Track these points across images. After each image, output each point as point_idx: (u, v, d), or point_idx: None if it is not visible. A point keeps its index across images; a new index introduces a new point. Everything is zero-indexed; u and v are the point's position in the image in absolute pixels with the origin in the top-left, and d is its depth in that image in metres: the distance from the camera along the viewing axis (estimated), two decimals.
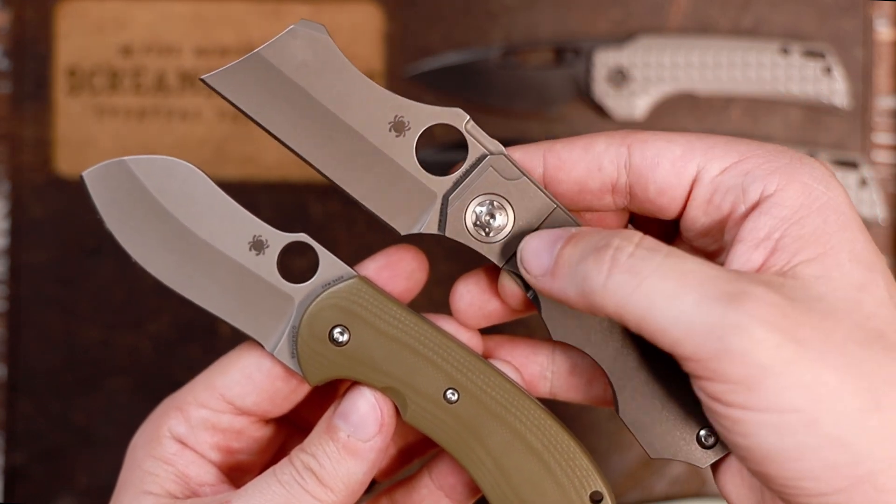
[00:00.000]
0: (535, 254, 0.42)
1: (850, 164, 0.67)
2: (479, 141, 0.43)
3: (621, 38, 0.69)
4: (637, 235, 0.39)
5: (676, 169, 0.42)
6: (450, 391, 0.43)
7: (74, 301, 0.69)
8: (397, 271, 0.46)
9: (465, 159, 0.43)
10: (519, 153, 0.44)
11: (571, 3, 0.69)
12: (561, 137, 0.68)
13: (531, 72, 0.69)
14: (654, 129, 0.68)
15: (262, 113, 0.43)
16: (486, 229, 0.43)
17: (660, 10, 0.69)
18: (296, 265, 0.46)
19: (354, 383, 0.44)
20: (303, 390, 0.46)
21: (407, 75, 0.69)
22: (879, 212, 0.67)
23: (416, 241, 0.45)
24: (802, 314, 0.37)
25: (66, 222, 0.69)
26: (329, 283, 0.44)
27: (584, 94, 0.68)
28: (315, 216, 0.68)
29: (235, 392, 0.45)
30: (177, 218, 0.44)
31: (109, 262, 0.69)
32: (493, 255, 0.43)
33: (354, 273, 0.44)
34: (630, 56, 0.68)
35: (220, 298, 0.44)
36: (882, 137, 0.69)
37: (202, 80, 0.43)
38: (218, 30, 0.69)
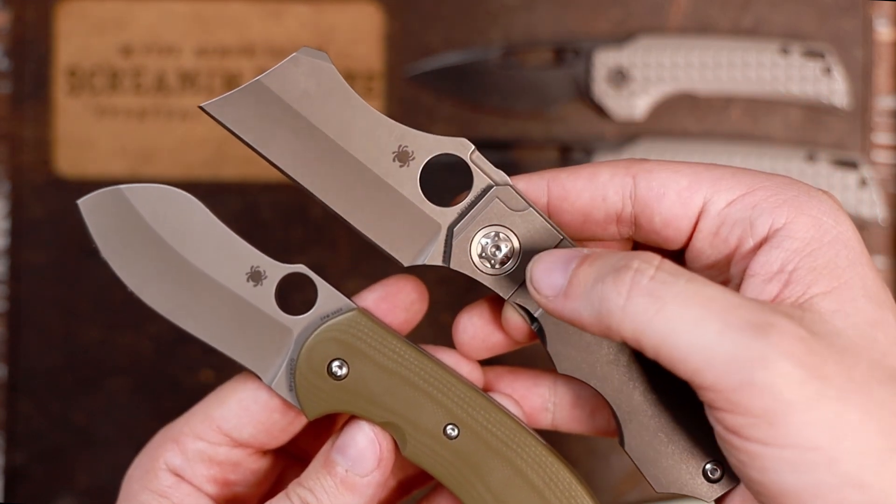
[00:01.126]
0: (547, 272, 0.41)
1: (850, 164, 0.67)
2: (484, 171, 0.43)
3: (621, 38, 0.69)
4: (656, 258, 0.38)
5: (682, 200, 0.41)
6: (450, 427, 0.43)
7: (74, 301, 0.69)
8: (396, 303, 0.45)
9: (469, 189, 0.43)
10: (523, 183, 0.43)
11: (571, 3, 0.69)
12: (560, 138, 0.68)
13: (531, 72, 0.69)
14: (654, 130, 0.68)
15: (263, 142, 0.42)
16: (492, 261, 0.43)
17: (660, 10, 0.69)
18: (295, 297, 0.46)
19: (353, 417, 0.44)
20: (300, 422, 0.45)
21: (407, 75, 0.69)
22: (879, 212, 0.67)
23: (417, 269, 0.44)
24: (825, 349, 0.37)
25: (66, 222, 0.69)
26: (328, 316, 0.43)
27: (583, 95, 0.68)
28: (315, 217, 0.68)
29: (232, 424, 0.45)
30: (173, 247, 0.43)
31: None
32: (497, 286, 0.43)
33: (353, 305, 0.44)
34: (630, 56, 0.68)
35: (216, 329, 0.43)
36: (882, 137, 0.69)
37: (201, 108, 0.42)
38: (218, 30, 0.69)
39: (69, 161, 0.69)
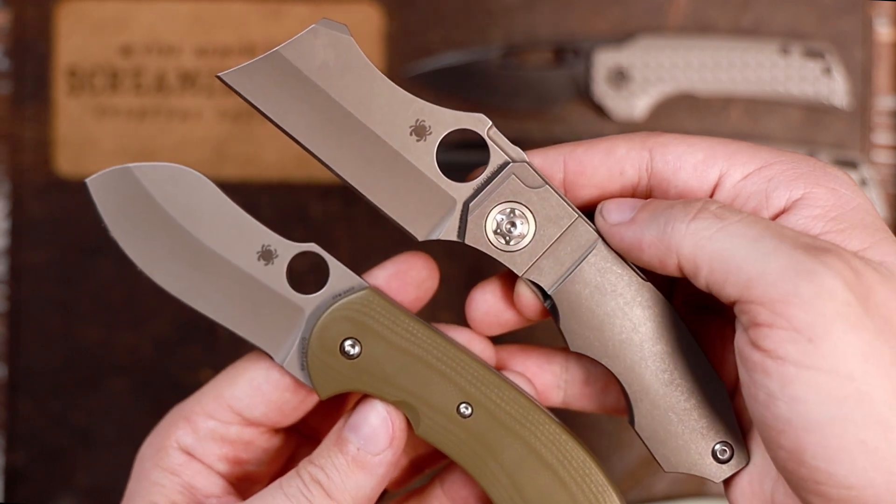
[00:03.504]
0: (618, 206, 0.42)
1: (850, 164, 0.67)
2: (501, 148, 0.43)
3: (621, 38, 0.69)
4: (722, 202, 0.40)
5: (698, 173, 0.42)
6: (463, 405, 0.43)
7: (74, 301, 0.69)
8: (407, 280, 0.45)
9: (486, 165, 0.43)
10: (539, 159, 0.43)
11: (571, 3, 0.69)
12: (560, 138, 0.68)
13: (531, 72, 0.69)
14: (654, 130, 0.68)
15: (280, 113, 0.42)
16: (507, 237, 0.43)
17: (660, 10, 0.69)
18: (306, 276, 0.46)
19: (366, 395, 0.43)
20: (312, 400, 0.45)
21: (407, 75, 0.69)
22: (879, 212, 0.67)
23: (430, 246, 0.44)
24: (874, 283, 0.37)
25: (66, 222, 0.69)
26: (340, 295, 0.43)
27: (583, 95, 0.68)
28: (315, 216, 0.68)
29: (244, 403, 0.45)
30: (183, 226, 0.43)
31: (109, 262, 0.69)
32: (512, 263, 0.43)
33: (366, 284, 0.44)
34: (630, 56, 0.68)
35: (227, 309, 0.43)
36: (882, 137, 0.69)
37: (219, 78, 0.42)
38: (218, 30, 0.69)
39: (69, 161, 0.69)
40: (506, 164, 0.43)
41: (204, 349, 0.69)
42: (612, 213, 0.42)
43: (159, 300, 0.69)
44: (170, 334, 0.69)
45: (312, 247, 0.44)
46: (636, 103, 0.68)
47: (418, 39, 0.69)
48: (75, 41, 0.69)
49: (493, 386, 0.43)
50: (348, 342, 0.43)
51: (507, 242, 0.43)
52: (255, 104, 0.42)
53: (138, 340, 0.69)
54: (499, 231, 0.43)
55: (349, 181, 0.43)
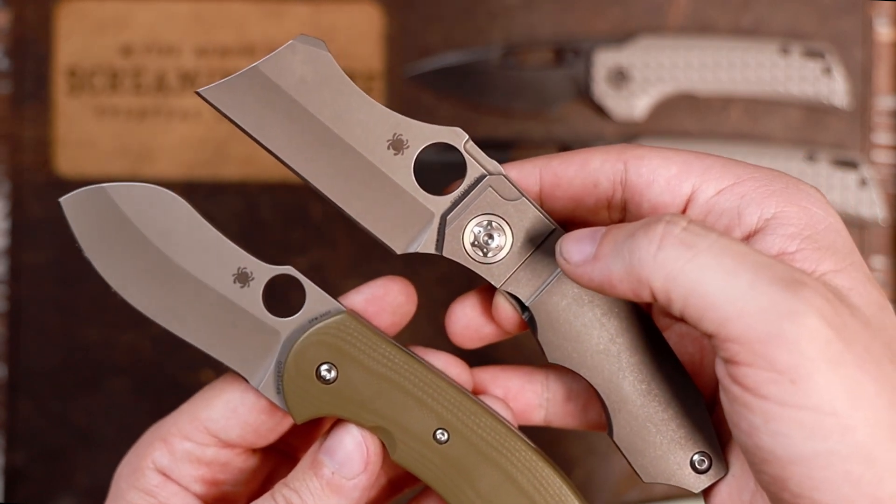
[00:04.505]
0: (577, 242, 0.40)
1: (850, 164, 0.67)
2: (477, 161, 0.43)
3: (621, 38, 0.69)
4: (685, 216, 0.39)
5: (671, 187, 0.41)
6: (439, 431, 0.42)
7: (74, 301, 0.69)
8: (384, 305, 0.45)
9: (463, 178, 0.43)
10: (515, 171, 0.43)
11: (571, 3, 0.69)
12: (560, 138, 0.68)
13: (531, 72, 0.69)
14: (654, 130, 0.68)
15: (259, 128, 0.42)
16: (484, 249, 0.43)
17: (660, 10, 0.69)
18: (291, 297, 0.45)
19: (344, 420, 0.43)
20: (289, 422, 0.45)
21: (407, 75, 0.69)
22: (879, 212, 0.67)
23: (414, 263, 0.44)
24: (849, 316, 0.37)
25: (66, 222, 0.69)
26: (316, 319, 0.43)
27: (583, 95, 0.68)
28: (315, 216, 0.68)
29: (220, 425, 0.44)
30: (158, 247, 0.42)
31: None
32: (490, 275, 0.43)
33: (342, 308, 0.43)
34: (630, 56, 0.68)
35: (202, 331, 0.43)
36: (882, 137, 0.69)
37: (198, 94, 0.42)
38: (218, 30, 0.69)
39: (69, 161, 0.69)
40: (482, 177, 0.43)
41: None
42: (572, 253, 0.40)
43: None
44: (170, 334, 0.68)
45: (289, 270, 0.43)
46: (636, 103, 0.68)
47: (418, 39, 0.69)
48: (75, 41, 0.69)
49: (470, 412, 0.43)
50: (324, 367, 0.42)
51: (485, 255, 0.43)
52: (234, 119, 0.42)
53: (138, 340, 0.69)
54: (476, 243, 0.43)
55: (328, 195, 0.43)
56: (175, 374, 0.69)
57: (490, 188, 0.43)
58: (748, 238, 0.40)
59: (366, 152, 0.43)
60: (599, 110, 0.68)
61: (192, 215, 0.43)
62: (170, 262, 0.42)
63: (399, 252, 0.43)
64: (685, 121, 0.69)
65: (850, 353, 0.36)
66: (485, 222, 0.43)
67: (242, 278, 0.43)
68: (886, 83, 0.69)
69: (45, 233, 0.69)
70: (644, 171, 0.41)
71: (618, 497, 0.68)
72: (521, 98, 0.69)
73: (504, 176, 0.43)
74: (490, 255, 0.43)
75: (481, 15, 0.69)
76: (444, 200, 0.43)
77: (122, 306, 0.71)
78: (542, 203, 0.43)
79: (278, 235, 0.68)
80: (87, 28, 0.69)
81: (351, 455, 0.43)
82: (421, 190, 0.43)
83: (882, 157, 0.69)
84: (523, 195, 0.43)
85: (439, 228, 0.43)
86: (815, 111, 0.68)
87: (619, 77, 0.68)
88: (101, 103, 0.69)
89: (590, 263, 0.40)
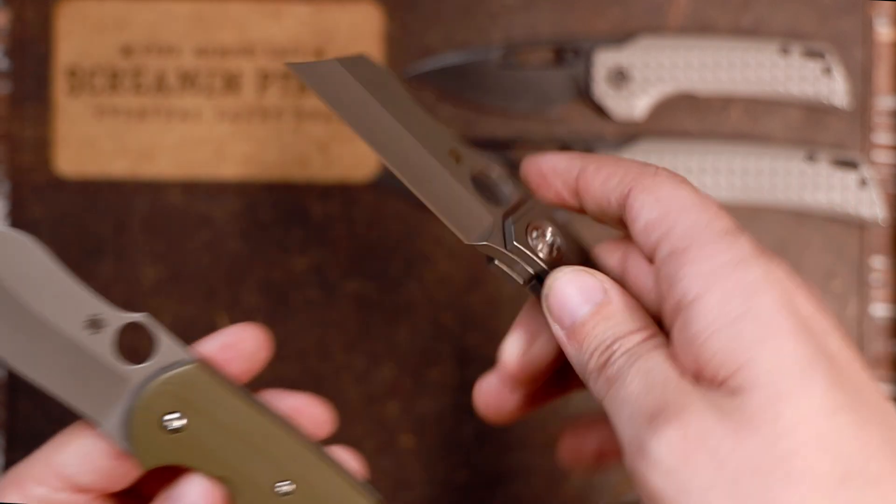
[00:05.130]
0: (562, 305, 0.43)
1: (850, 164, 0.67)
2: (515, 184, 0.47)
3: (621, 38, 0.69)
4: (639, 335, 0.41)
5: (645, 232, 0.43)
6: (283, 483, 0.43)
7: None
8: (237, 353, 0.46)
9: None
10: (560, 164, 0.46)
11: (571, 3, 0.69)
12: (561, 138, 0.68)
13: (531, 72, 0.69)
14: (654, 130, 0.68)
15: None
16: (541, 246, 0.45)
17: (660, 10, 0.69)
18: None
19: (188, 470, 0.44)
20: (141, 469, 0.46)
21: (407, 75, 0.69)
22: (879, 212, 0.67)
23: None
24: (711, 442, 0.37)
25: (66, 222, 0.69)
26: (166, 367, 0.43)
27: (584, 95, 0.68)
28: (315, 216, 0.68)
29: (72, 471, 0.44)
30: (8, 289, 0.42)
31: (109, 262, 0.69)
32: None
33: (193, 358, 0.43)
34: (630, 56, 0.68)
35: (54, 376, 0.43)
36: (882, 137, 0.69)
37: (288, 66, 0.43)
38: (218, 30, 0.69)
39: (69, 161, 0.69)
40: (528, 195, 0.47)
41: None
42: (557, 313, 0.43)
43: (159, 300, 0.69)
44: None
45: (143, 317, 0.43)
46: (636, 103, 0.68)
47: (418, 39, 0.69)
48: (75, 41, 0.69)
49: (313, 465, 0.43)
50: (172, 416, 0.43)
51: (543, 251, 0.45)
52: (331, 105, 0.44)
53: (138, 340, 0.69)
54: (535, 239, 0.45)
55: (406, 181, 0.44)
56: None
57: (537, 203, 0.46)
58: (676, 311, 0.41)
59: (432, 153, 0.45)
60: (599, 110, 0.68)
61: (45, 260, 0.43)
62: (21, 305, 0.42)
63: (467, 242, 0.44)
64: (685, 121, 0.69)
65: (695, 479, 0.37)
66: (538, 224, 0.45)
67: (94, 324, 0.43)
68: (886, 83, 0.69)
69: (45, 233, 0.69)
70: (635, 206, 0.43)
71: (617, 497, 0.68)
72: (521, 98, 0.69)
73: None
74: (548, 253, 0.45)
75: (481, 15, 0.69)
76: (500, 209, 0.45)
77: (121, 306, 0.71)
78: (580, 195, 0.45)
79: (278, 235, 0.68)
80: (87, 28, 0.69)
81: None
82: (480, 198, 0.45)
83: (882, 157, 0.69)
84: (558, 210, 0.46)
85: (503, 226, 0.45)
86: (815, 111, 0.68)
87: (619, 77, 0.68)
88: (101, 103, 0.69)
89: (564, 336, 0.43)
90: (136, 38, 0.69)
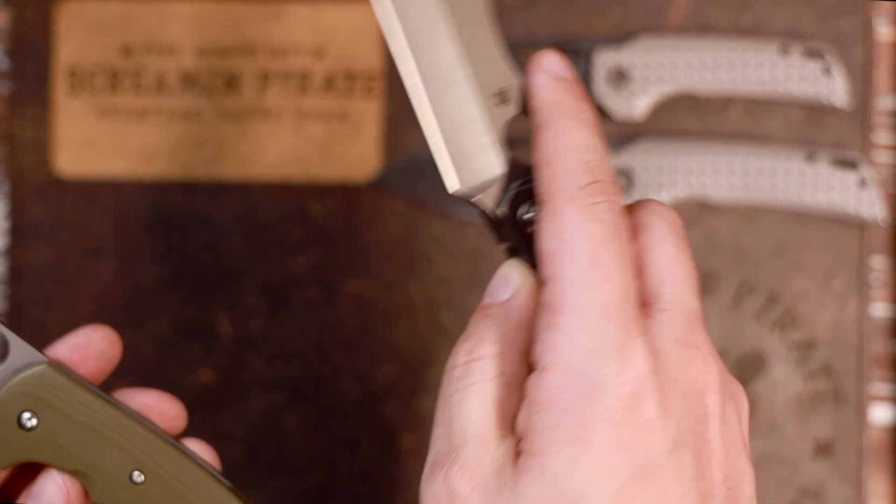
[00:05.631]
0: (490, 287, 0.42)
1: (850, 164, 0.67)
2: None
3: (621, 38, 0.69)
4: (468, 346, 0.41)
5: (540, 257, 0.41)
6: (136, 473, 0.45)
7: (74, 301, 0.69)
8: (87, 354, 0.47)
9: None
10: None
11: (571, 3, 0.69)
12: None
13: None
14: (654, 130, 0.68)
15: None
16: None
17: (660, 10, 0.69)
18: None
19: (47, 466, 0.46)
20: (4, 471, 0.47)
21: None
22: (879, 212, 0.67)
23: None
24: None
25: (66, 222, 0.69)
26: (20, 369, 0.45)
27: None
28: (315, 216, 0.68)
29: None
30: None
31: (109, 262, 0.69)
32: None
33: (45, 359, 0.46)
34: (630, 56, 0.68)
35: None
36: (882, 137, 0.69)
37: None
38: (218, 30, 0.69)
39: (69, 161, 0.69)
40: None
41: (204, 349, 0.69)
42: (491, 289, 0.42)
43: (159, 300, 0.69)
44: (170, 334, 0.69)
45: None
46: (636, 103, 0.68)
47: None
48: (75, 41, 0.69)
49: (165, 454, 0.46)
50: (26, 415, 0.45)
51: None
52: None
53: (138, 340, 0.69)
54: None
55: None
56: (175, 374, 0.69)
57: None
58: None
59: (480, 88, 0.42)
60: (599, 110, 0.68)
61: None
62: None
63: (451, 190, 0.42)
64: (685, 121, 0.69)
65: None
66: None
67: None
68: (886, 83, 0.69)
69: (45, 233, 0.69)
70: (541, 224, 0.40)
71: None
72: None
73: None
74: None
75: None
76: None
77: (122, 306, 0.71)
78: None
79: (278, 235, 0.68)
80: (87, 28, 0.69)
81: (53, 499, 0.45)
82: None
83: (882, 157, 0.69)
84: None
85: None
86: (815, 111, 0.68)
87: (619, 77, 0.68)
88: (101, 103, 0.69)
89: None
90: (136, 38, 0.69)
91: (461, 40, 0.42)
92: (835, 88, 0.67)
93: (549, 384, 0.38)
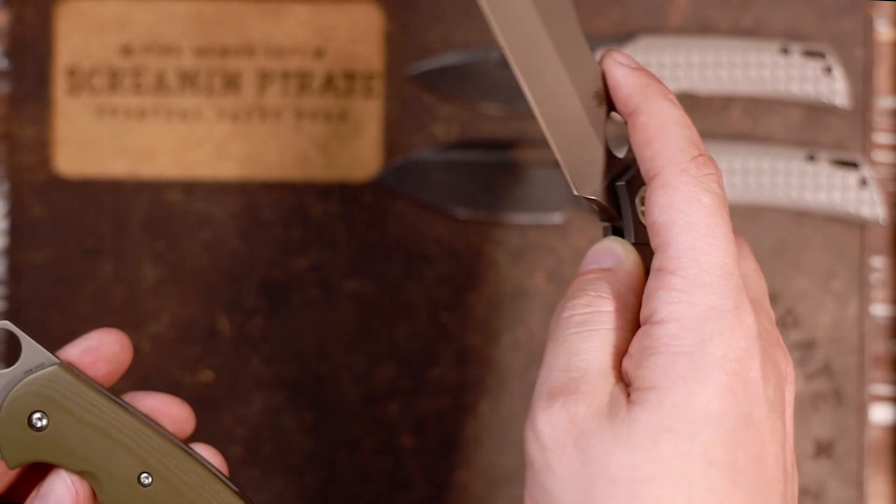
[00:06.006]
0: (589, 256, 0.44)
1: (850, 164, 0.67)
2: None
3: (621, 38, 0.69)
4: (587, 300, 0.42)
5: (651, 229, 0.43)
6: (144, 475, 0.46)
7: (74, 301, 0.69)
8: (98, 356, 0.47)
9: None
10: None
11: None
12: None
13: None
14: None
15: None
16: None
17: (660, 10, 0.69)
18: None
19: (56, 466, 0.46)
20: (14, 471, 0.47)
21: (407, 75, 0.69)
22: (879, 212, 0.67)
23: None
24: (588, 437, 0.39)
25: (66, 222, 0.69)
26: (31, 370, 0.46)
27: None
28: (315, 216, 0.68)
29: None
30: None
31: (109, 262, 0.69)
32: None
33: (56, 360, 0.46)
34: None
35: None
36: (882, 137, 0.69)
37: None
38: (218, 30, 0.69)
39: (69, 161, 0.69)
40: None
41: (204, 349, 0.69)
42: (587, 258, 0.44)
43: (159, 300, 0.69)
44: (170, 334, 0.69)
45: (6, 325, 0.46)
46: None
47: (418, 39, 0.69)
48: (75, 41, 0.69)
49: (173, 457, 0.46)
50: (36, 415, 0.46)
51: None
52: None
53: (138, 340, 0.69)
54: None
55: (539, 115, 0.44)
56: (175, 374, 0.69)
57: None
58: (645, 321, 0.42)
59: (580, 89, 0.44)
60: None
61: None
62: None
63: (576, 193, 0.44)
64: None
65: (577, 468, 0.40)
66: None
67: None
68: (886, 83, 0.69)
69: (45, 233, 0.69)
70: (650, 199, 0.43)
71: None
72: (521, 98, 0.69)
73: None
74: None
75: (481, 15, 0.69)
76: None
77: (122, 306, 0.71)
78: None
79: (278, 235, 0.68)
80: (87, 28, 0.69)
81: (61, 498, 0.46)
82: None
83: (882, 157, 0.69)
84: None
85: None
86: (816, 111, 0.68)
87: None
88: (100, 103, 0.69)
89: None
90: (136, 38, 0.69)
91: (562, 57, 0.44)
92: (835, 88, 0.67)
93: (664, 333, 0.40)
